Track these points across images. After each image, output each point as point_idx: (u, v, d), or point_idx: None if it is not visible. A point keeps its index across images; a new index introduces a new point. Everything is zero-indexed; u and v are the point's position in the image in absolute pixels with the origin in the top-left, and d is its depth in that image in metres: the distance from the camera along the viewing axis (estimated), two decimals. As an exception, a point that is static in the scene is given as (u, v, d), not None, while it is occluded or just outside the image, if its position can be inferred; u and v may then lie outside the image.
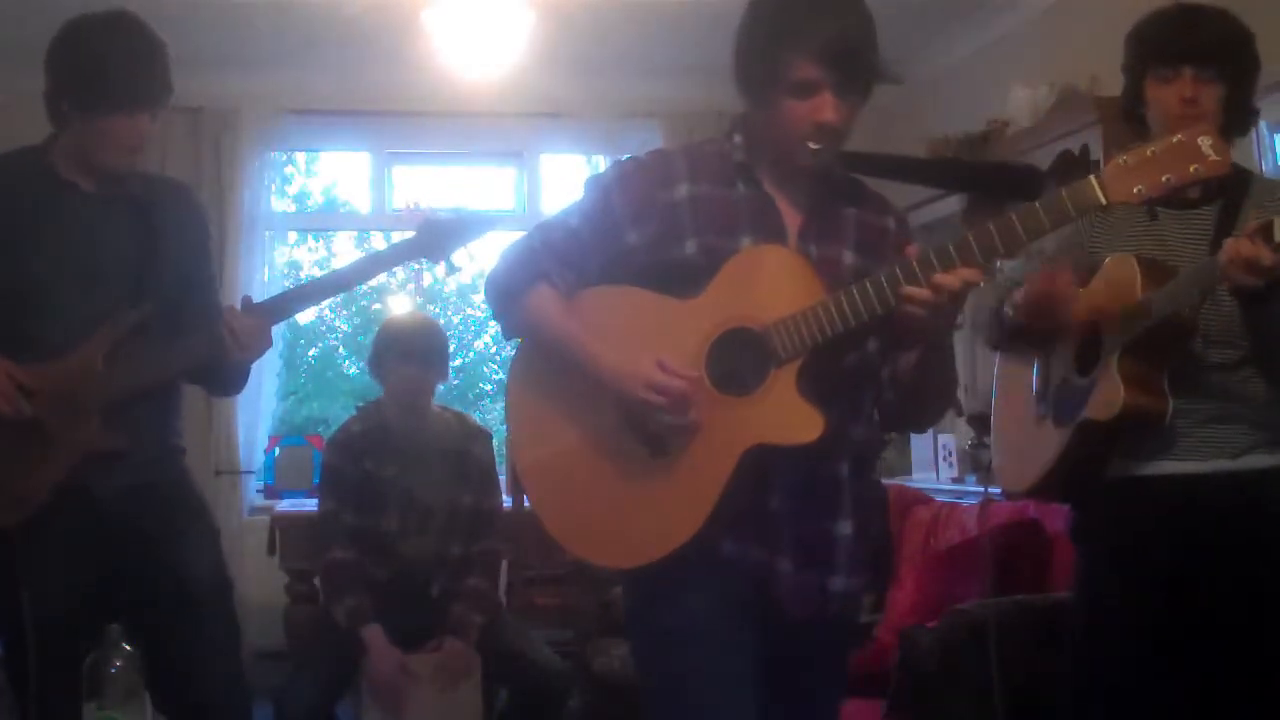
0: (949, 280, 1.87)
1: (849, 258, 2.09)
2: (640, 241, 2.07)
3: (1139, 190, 1.80)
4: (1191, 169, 1.79)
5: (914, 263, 1.91)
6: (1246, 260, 2.08)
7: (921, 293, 1.88)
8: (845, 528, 2.07)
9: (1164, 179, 1.79)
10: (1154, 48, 2.39)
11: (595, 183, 2.15)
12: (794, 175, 2.09)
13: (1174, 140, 1.81)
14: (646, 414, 2.01)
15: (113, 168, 2.57)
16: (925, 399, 2.15)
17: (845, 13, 2.01)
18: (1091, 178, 1.82)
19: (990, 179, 2.21)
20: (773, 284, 2.01)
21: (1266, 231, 2.07)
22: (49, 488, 2.48)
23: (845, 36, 1.98)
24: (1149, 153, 1.80)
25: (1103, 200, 1.80)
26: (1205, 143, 1.79)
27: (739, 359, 2.00)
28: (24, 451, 2.47)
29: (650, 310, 2.07)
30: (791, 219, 2.09)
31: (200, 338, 2.55)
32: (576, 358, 2.08)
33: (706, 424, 2.00)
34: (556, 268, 2.11)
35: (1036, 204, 1.84)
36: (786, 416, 1.96)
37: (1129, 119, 2.48)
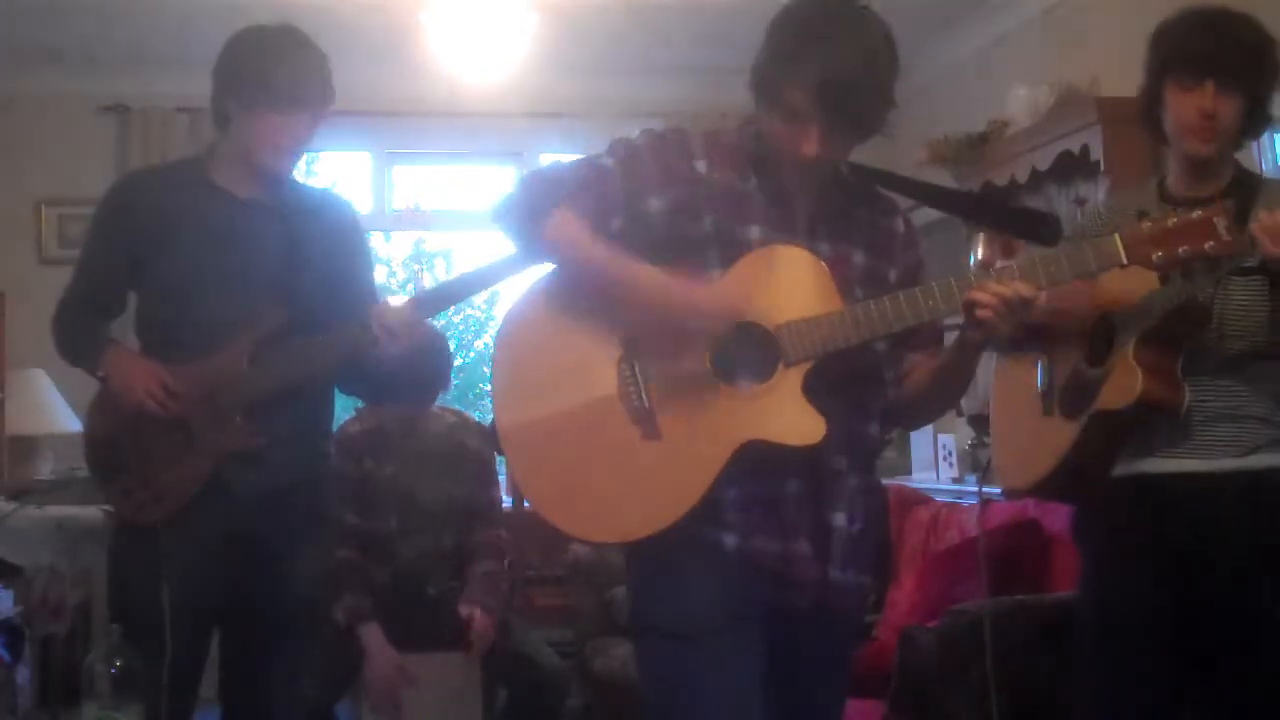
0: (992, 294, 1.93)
1: (859, 257, 2.10)
2: (662, 208, 2.04)
3: (1157, 257, 1.98)
4: (1206, 245, 1.97)
5: (934, 286, 1.97)
6: None
7: (987, 298, 1.93)
8: (839, 519, 2.06)
9: (1180, 250, 1.98)
10: (1178, 54, 2.35)
11: (625, 142, 2.10)
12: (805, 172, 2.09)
13: (1194, 216, 1.98)
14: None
15: (270, 166, 2.62)
16: (934, 401, 2.17)
17: (848, 47, 1.92)
18: (1116, 236, 2.00)
19: (1012, 222, 2.31)
20: (789, 285, 2.00)
21: None
22: (192, 486, 2.54)
23: (840, 71, 1.90)
24: (1170, 223, 1.98)
25: (1124, 260, 1.98)
26: (1221, 224, 1.97)
27: (746, 353, 2.00)
28: (169, 450, 2.54)
29: None
30: (803, 214, 2.08)
31: (339, 334, 2.55)
32: (612, 275, 2.01)
33: (704, 411, 1.99)
34: (582, 196, 2.05)
35: (1059, 252, 2.01)
36: (788, 417, 1.97)
37: (1145, 120, 2.45)
